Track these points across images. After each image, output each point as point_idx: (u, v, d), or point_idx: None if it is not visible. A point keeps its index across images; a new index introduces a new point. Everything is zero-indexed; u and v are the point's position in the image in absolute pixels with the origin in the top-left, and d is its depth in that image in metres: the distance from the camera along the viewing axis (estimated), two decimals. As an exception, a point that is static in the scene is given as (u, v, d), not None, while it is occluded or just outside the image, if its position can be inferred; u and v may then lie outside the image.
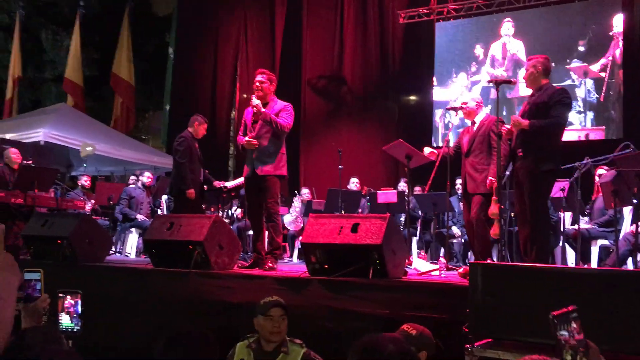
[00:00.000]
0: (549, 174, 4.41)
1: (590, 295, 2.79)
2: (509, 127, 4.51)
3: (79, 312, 2.34)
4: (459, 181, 5.79)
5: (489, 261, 4.69)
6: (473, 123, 5.20)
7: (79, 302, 2.34)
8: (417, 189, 8.22)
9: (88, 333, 2.49)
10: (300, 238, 5.02)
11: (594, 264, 5.84)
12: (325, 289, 3.98)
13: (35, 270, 2.22)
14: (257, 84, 5.23)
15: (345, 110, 12.01)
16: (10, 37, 14.83)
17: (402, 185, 8.20)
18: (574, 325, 1.43)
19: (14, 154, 7.59)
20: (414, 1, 11.15)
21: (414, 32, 11.21)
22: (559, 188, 5.70)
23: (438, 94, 10.86)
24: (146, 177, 8.69)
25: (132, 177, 9.22)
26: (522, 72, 4.80)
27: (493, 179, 4.75)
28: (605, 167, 6.01)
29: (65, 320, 2.35)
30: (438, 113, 10.82)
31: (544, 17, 9.95)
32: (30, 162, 7.75)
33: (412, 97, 11.65)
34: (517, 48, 10.09)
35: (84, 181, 9.12)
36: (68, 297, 2.36)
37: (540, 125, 4.32)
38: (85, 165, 11.71)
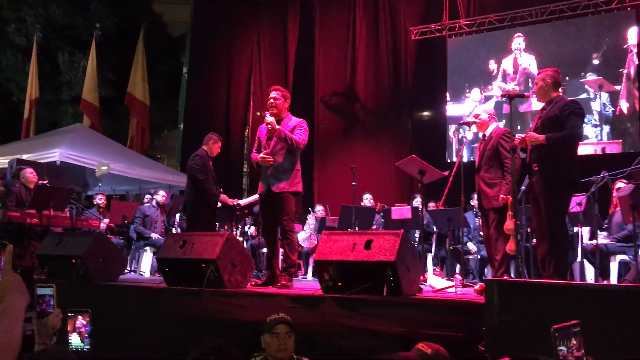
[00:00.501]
0: (567, 188, 4.34)
1: (610, 312, 2.72)
2: (521, 136, 4.43)
3: (89, 331, 2.32)
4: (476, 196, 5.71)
5: (505, 277, 4.61)
6: (484, 136, 5.15)
7: (89, 322, 2.33)
8: (431, 205, 8.16)
9: (101, 351, 2.47)
10: (314, 255, 4.98)
11: (613, 279, 5.73)
12: (339, 306, 3.93)
13: (48, 286, 2.22)
14: (271, 100, 5.20)
15: (359, 126, 12.01)
16: (28, 59, 15.08)
17: (417, 201, 8.15)
18: (573, 341, 1.40)
19: (30, 173, 7.65)
20: (426, 17, 11.18)
21: (427, 48, 11.22)
22: (576, 202, 5.61)
23: (451, 109, 10.82)
24: (160, 196, 8.72)
25: (147, 196, 9.26)
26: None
27: (504, 196, 4.70)
28: (623, 181, 5.91)
29: (75, 340, 2.34)
30: (452, 128, 10.77)
31: (557, 31, 9.91)
32: (46, 181, 7.82)
33: (426, 113, 11.63)
34: (529, 62, 10.05)
35: (99, 200, 9.17)
36: (79, 316, 2.35)
37: (557, 137, 4.26)
38: (100, 184, 11.81)
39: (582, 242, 6.10)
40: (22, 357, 1.82)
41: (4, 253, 1.61)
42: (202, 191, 6.19)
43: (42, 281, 2.37)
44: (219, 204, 6.67)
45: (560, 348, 1.39)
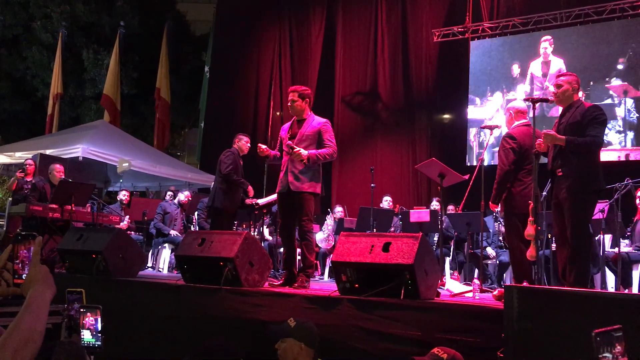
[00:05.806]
0: (593, 194, 4.26)
1: (631, 322, 2.67)
2: (540, 140, 4.35)
3: (99, 328, 2.34)
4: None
5: (525, 284, 4.56)
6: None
7: (99, 318, 2.35)
8: (450, 208, 8.11)
9: (118, 346, 2.49)
10: (331, 256, 4.96)
11: (635, 289, 5.63)
12: (356, 308, 3.92)
13: (77, 291, 2.24)
14: (289, 103, 5.21)
15: (378, 128, 11.98)
16: (53, 56, 15.29)
17: (435, 204, 8.10)
18: (618, 347, 1.32)
19: (58, 171, 7.68)
20: (448, 20, 11.11)
21: (449, 50, 11.15)
22: (599, 209, 5.52)
23: (473, 112, 10.74)
24: (184, 196, 8.78)
25: (169, 193, 9.33)
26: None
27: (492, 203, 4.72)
28: (647, 189, 5.81)
29: (86, 335, 2.36)
30: (472, 132, 10.69)
31: (582, 35, 9.78)
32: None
33: (446, 116, 11.56)
34: (558, 66, 9.89)
35: (122, 196, 9.21)
36: (88, 313, 2.37)
37: (578, 143, 4.18)
38: (121, 180, 11.92)
39: (603, 250, 6.00)
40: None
41: (33, 244, 1.63)
42: (229, 184, 6.42)
43: (65, 278, 2.42)
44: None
45: (605, 355, 1.30)
